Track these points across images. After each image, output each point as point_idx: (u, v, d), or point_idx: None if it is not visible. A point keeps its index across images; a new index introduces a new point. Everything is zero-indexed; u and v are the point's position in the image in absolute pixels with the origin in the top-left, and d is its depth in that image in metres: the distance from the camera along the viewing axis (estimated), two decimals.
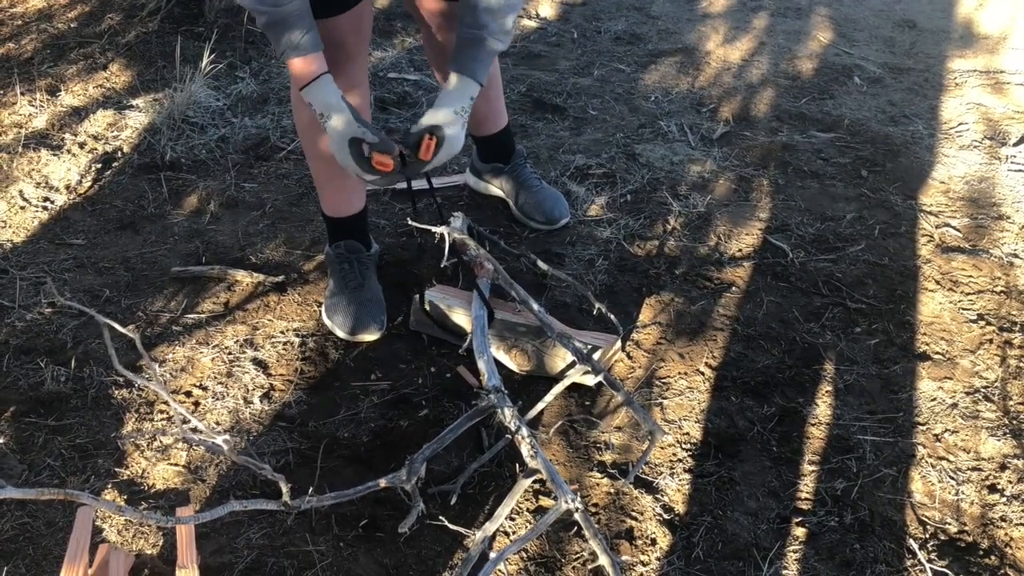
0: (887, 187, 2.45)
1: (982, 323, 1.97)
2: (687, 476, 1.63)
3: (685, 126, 2.75)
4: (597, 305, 1.84)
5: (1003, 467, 1.65)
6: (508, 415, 1.42)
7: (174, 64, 2.90)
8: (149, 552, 1.50)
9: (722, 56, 3.22)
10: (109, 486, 1.61)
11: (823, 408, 1.77)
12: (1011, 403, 1.78)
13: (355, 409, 1.77)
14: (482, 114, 2.21)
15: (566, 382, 1.68)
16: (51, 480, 1.62)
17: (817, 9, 3.64)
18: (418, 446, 1.45)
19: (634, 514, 1.57)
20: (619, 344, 1.88)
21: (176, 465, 1.65)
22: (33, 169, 2.50)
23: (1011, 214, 2.33)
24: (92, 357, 1.88)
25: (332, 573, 1.46)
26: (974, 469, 1.64)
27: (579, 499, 1.29)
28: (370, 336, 1.91)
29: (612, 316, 1.84)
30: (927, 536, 1.52)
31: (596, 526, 1.45)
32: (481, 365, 1.59)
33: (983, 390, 1.81)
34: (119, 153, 2.59)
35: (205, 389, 1.82)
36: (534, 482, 1.58)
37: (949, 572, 1.46)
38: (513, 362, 1.82)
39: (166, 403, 1.78)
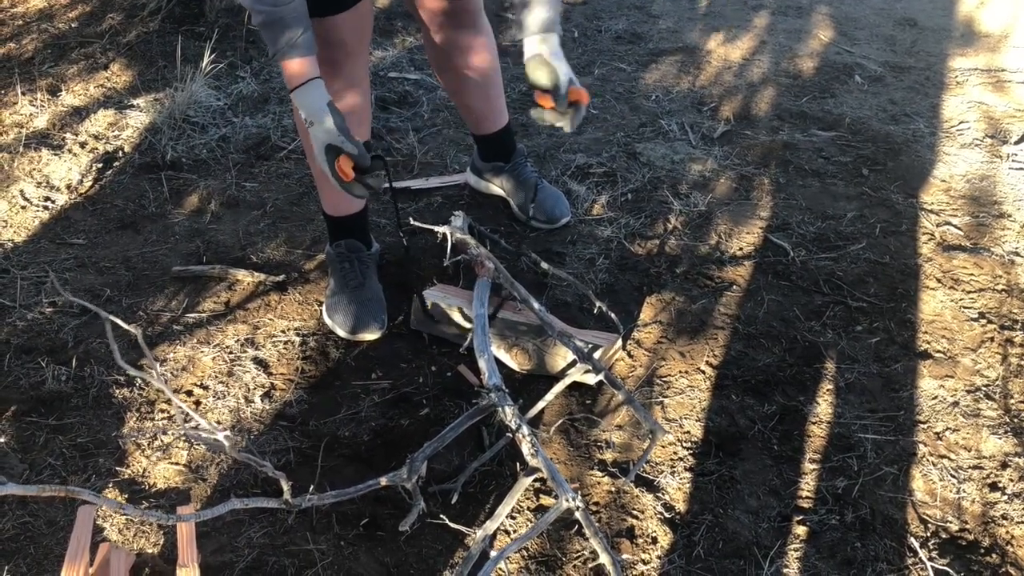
0: (888, 185, 2.45)
1: (983, 321, 1.97)
2: (688, 475, 1.63)
3: (686, 125, 2.75)
4: (598, 304, 1.84)
5: (1004, 465, 1.65)
6: (509, 414, 1.42)
7: (175, 64, 2.90)
8: (150, 551, 1.50)
9: (723, 55, 3.22)
10: (110, 485, 1.61)
11: (824, 406, 1.77)
12: (1012, 401, 1.78)
13: (356, 408, 1.77)
14: (482, 113, 2.21)
15: (567, 381, 1.68)
16: (52, 479, 1.62)
17: (818, 7, 3.64)
18: (419, 445, 1.45)
19: (635, 512, 1.57)
20: (620, 343, 1.88)
21: (177, 464, 1.65)
22: (34, 169, 2.50)
23: (1012, 212, 2.33)
24: (93, 356, 1.88)
25: (333, 572, 1.46)
26: (975, 467, 1.64)
27: (580, 498, 1.29)
28: (371, 335, 1.91)
29: (613, 315, 1.84)
30: (928, 534, 1.52)
31: (597, 525, 1.45)
32: (482, 364, 1.58)
33: (984, 388, 1.80)
34: (120, 153, 2.60)
35: (206, 388, 1.82)
36: (535, 480, 1.58)
37: (950, 570, 1.46)
38: (514, 361, 1.82)
39: (167, 402, 1.78)
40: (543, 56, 1.68)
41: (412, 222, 1.76)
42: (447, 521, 1.39)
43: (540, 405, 1.65)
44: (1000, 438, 1.70)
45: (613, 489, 1.61)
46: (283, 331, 1.96)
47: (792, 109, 2.84)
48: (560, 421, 1.73)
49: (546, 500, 1.58)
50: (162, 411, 1.77)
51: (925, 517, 1.55)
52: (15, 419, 1.73)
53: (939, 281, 2.09)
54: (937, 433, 1.71)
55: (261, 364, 1.87)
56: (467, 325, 1.83)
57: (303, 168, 2.52)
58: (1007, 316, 1.99)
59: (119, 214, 2.34)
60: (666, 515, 1.56)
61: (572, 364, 1.73)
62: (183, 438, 1.70)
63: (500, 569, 1.46)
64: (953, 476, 1.63)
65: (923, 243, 2.22)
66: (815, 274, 2.11)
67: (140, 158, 2.57)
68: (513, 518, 1.55)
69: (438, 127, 2.75)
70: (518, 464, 1.63)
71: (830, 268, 2.13)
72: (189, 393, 1.81)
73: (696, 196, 2.39)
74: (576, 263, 2.15)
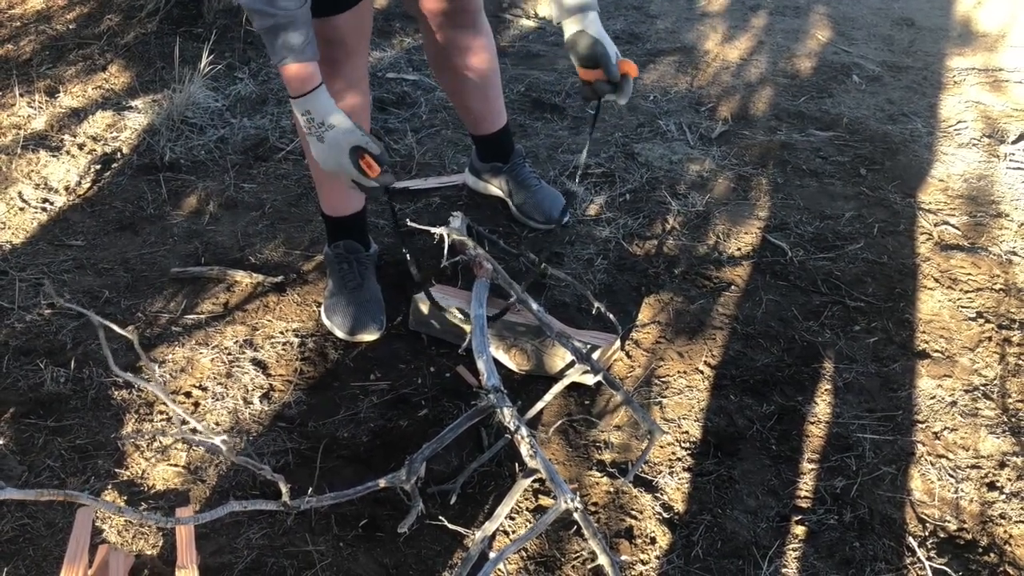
0: (886, 185, 2.45)
1: (981, 321, 1.97)
2: (686, 475, 1.63)
3: (684, 125, 2.75)
4: (596, 304, 1.84)
5: (1002, 465, 1.65)
6: (508, 415, 1.42)
7: (173, 65, 2.90)
8: (149, 553, 1.50)
9: (721, 55, 3.22)
10: (109, 487, 1.61)
11: (822, 406, 1.77)
12: (1010, 401, 1.78)
13: (354, 409, 1.77)
14: (481, 113, 2.21)
15: (565, 381, 1.69)
16: (51, 481, 1.62)
17: (815, 7, 3.64)
18: (417, 446, 1.45)
19: (633, 513, 1.57)
20: (618, 343, 1.88)
21: (176, 466, 1.65)
22: (32, 170, 2.50)
23: (1010, 212, 2.33)
24: (92, 358, 1.88)
25: (332, 573, 1.46)
26: (973, 467, 1.65)
27: (579, 499, 1.29)
28: (369, 336, 1.91)
29: (611, 315, 1.84)
30: (926, 534, 1.52)
31: (595, 525, 1.45)
32: (480, 365, 1.58)
33: (982, 388, 1.81)
34: (118, 154, 2.60)
35: (205, 390, 1.82)
36: (533, 481, 1.58)
37: (948, 570, 1.46)
38: (512, 361, 1.82)
39: (166, 403, 1.78)
40: (586, 31, 1.68)
41: (409, 223, 1.76)
42: (446, 522, 1.40)
43: (539, 406, 1.65)
44: (998, 437, 1.70)
45: (612, 489, 1.61)
46: (282, 332, 1.96)
47: (790, 109, 2.84)
48: (559, 422, 1.73)
49: (545, 500, 1.58)
50: (161, 413, 1.77)
51: (923, 517, 1.56)
52: (14, 421, 1.73)
53: (937, 281, 2.09)
54: (935, 433, 1.71)
55: (260, 365, 1.87)
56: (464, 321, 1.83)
57: (301, 169, 2.52)
58: (1005, 315, 1.99)
59: (117, 215, 2.34)
60: (665, 515, 1.56)
61: (571, 365, 1.73)
62: (173, 439, 1.70)
63: (499, 570, 1.46)
64: (951, 475, 1.63)
65: (921, 243, 2.22)
66: (813, 274, 2.11)
67: (138, 159, 2.57)
68: (512, 518, 1.55)
69: (436, 128, 2.75)
70: (517, 464, 1.63)
71: (828, 268, 2.13)
72: (188, 394, 1.81)
73: (694, 196, 2.40)
74: (574, 263, 2.15)
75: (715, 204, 2.38)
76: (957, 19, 3.54)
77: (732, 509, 1.57)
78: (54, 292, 1.55)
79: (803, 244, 2.21)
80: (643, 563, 1.49)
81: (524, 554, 1.50)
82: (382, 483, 1.34)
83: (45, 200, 2.40)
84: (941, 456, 1.67)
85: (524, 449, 1.38)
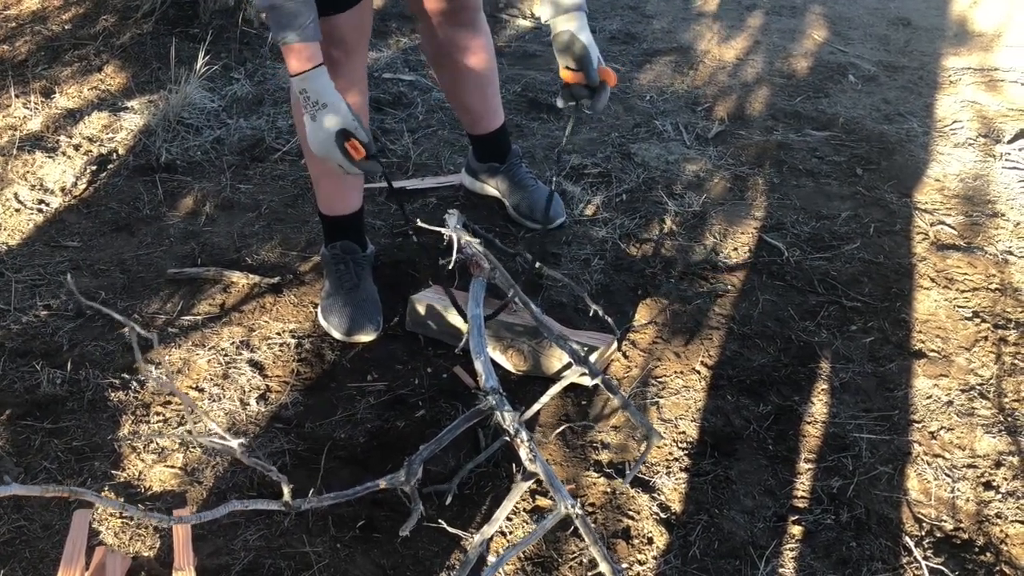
0: (882, 185, 2.45)
1: (977, 320, 1.98)
2: (683, 475, 1.63)
3: (680, 125, 2.75)
4: (593, 306, 1.84)
5: (998, 464, 1.65)
6: (507, 419, 1.42)
7: (169, 66, 2.90)
8: (146, 554, 1.50)
9: (717, 55, 3.22)
10: (106, 488, 1.61)
11: (819, 406, 1.77)
12: (1006, 400, 1.78)
13: (352, 410, 1.77)
14: (478, 113, 2.21)
15: (563, 383, 1.69)
16: (47, 483, 1.62)
17: (812, 7, 3.65)
18: (415, 447, 1.45)
19: (631, 513, 1.57)
20: (615, 344, 1.88)
21: (173, 468, 1.65)
22: (28, 171, 2.50)
23: (1005, 211, 2.34)
24: (88, 360, 1.87)
25: (329, 574, 1.46)
26: (969, 466, 1.65)
27: (578, 504, 1.29)
28: (366, 337, 1.90)
29: (608, 317, 1.84)
30: (923, 533, 1.53)
31: (595, 532, 1.45)
32: (478, 366, 1.58)
33: (978, 387, 1.81)
34: (114, 155, 2.59)
35: (201, 391, 1.82)
36: (533, 482, 1.58)
37: (945, 569, 1.46)
38: (509, 362, 1.82)
39: (163, 405, 1.78)
40: (572, 32, 1.70)
41: (419, 223, 1.76)
42: (444, 524, 1.40)
43: (536, 407, 1.65)
44: (994, 437, 1.70)
45: (609, 490, 1.61)
46: (278, 333, 1.96)
47: (786, 109, 2.85)
48: (556, 422, 1.73)
49: (542, 501, 1.59)
50: (157, 414, 1.76)
51: (920, 516, 1.56)
52: (10, 423, 1.73)
53: (933, 280, 2.10)
54: (931, 432, 1.72)
55: (256, 366, 1.87)
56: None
57: (298, 170, 2.52)
58: (1001, 315, 1.99)
59: (113, 216, 2.34)
60: (662, 516, 1.56)
61: (568, 366, 1.73)
62: (180, 441, 1.69)
63: (497, 573, 1.46)
64: (948, 475, 1.63)
65: (917, 242, 2.23)
66: (809, 274, 2.11)
67: (134, 160, 2.56)
68: (510, 519, 1.55)
69: (433, 128, 2.75)
70: (514, 465, 1.63)
71: (824, 268, 2.13)
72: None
73: (691, 196, 2.40)
74: (571, 264, 2.15)
75: (712, 204, 2.38)
76: (953, 19, 3.54)
77: (729, 509, 1.57)
78: (75, 290, 1.55)
79: (799, 244, 2.21)
80: (640, 563, 1.49)
81: (522, 555, 1.50)
82: (382, 484, 1.34)
83: (41, 201, 2.39)
84: (937, 456, 1.67)
85: (523, 453, 1.38)
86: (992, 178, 2.48)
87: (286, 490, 1.25)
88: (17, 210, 2.35)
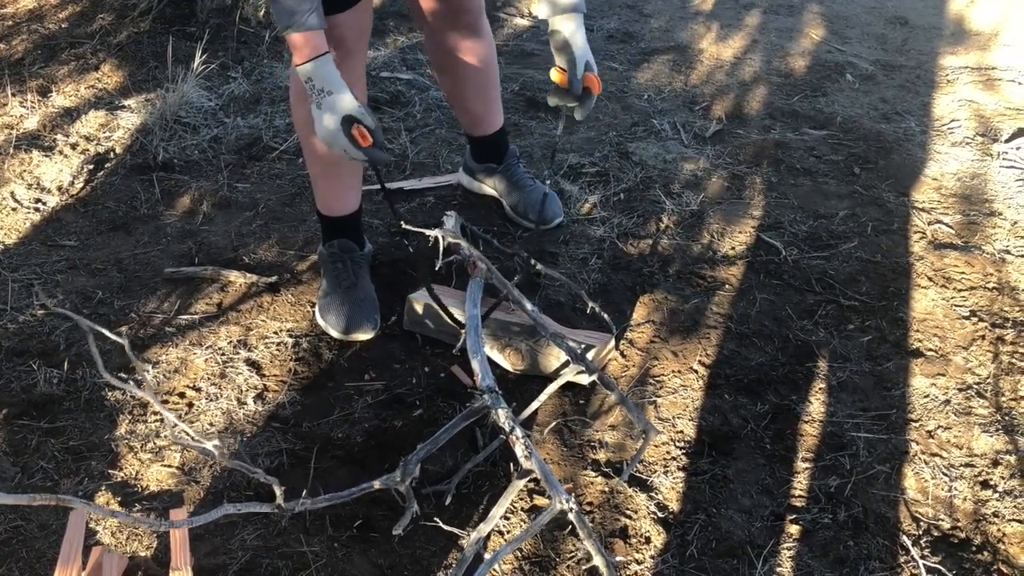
0: (879, 184, 2.45)
1: (974, 319, 1.98)
2: (681, 474, 1.63)
3: (678, 124, 2.75)
4: (590, 304, 1.84)
5: (996, 463, 1.65)
6: (502, 416, 1.42)
7: (166, 64, 2.89)
8: (143, 554, 1.50)
9: (715, 54, 3.22)
10: (103, 488, 1.60)
11: (816, 405, 1.77)
12: (1003, 399, 1.78)
13: (349, 409, 1.77)
14: (479, 114, 2.21)
15: (560, 381, 1.68)
16: (44, 483, 1.62)
17: (809, 6, 3.65)
18: (412, 446, 1.45)
19: (628, 512, 1.57)
20: (613, 343, 1.88)
21: (170, 467, 1.65)
22: (25, 170, 2.49)
23: (1003, 210, 2.34)
24: (85, 359, 1.87)
25: (327, 574, 1.46)
26: (967, 465, 1.65)
27: (573, 500, 1.29)
28: (364, 335, 1.90)
29: (605, 315, 1.84)
30: (920, 532, 1.53)
31: (590, 526, 1.45)
32: (475, 365, 1.58)
33: (976, 386, 1.81)
34: (111, 154, 2.59)
35: (199, 390, 1.81)
36: (529, 481, 1.58)
37: (942, 568, 1.47)
38: (507, 361, 1.82)
39: (161, 404, 1.77)
40: (566, 36, 1.70)
41: (404, 225, 1.76)
42: (441, 523, 1.39)
43: (533, 406, 1.65)
44: (991, 436, 1.70)
45: (606, 489, 1.61)
46: (276, 332, 1.95)
47: (784, 108, 2.85)
48: (553, 421, 1.73)
49: (540, 500, 1.58)
50: (155, 414, 1.76)
51: (917, 515, 1.56)
52: (7, 422, 1.73)
53: (931, 279, 2.10)
54: (929, 431, 1.72)
55: (254, 366, 1.87)
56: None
57: (295, 169, 2.51)
58: (998, 314, 1.99)
59: (110, 215, 2.34)
60: (659, 515, 1.56)
61: (565, 364, 1.73)
62: (175, 444, 1.69)
63: (494, 570, 1.46)
64: (945, 474, 1.63)
65: (914, 241, 2.23)
66: (807, 273, 2.11)
67: (131, 159, 2.56)
68: (507, 518, 1.55)
69: (431, 127, 2.74)
70: (511, 464, 1.63)
71: (822, 267, 2.13)
72: (182, 395, 1.80)
73: (688, 195, 2.40)
74: (569, 263, 2.15)
75: (709, 203, 2.38)
76: (950, 18, 3.54)
77: (727, 508, 1.57)
78: (44, 295, 1.54)
79: (797, 243, 2.21)
80: (638, 563, 1.49)
81: (519, 554, 1.50)
82: (377, 484, 1.34)
83: (38, 200, 2.39)
84: (935, 455, 1.67)
85: (519, 450, 1.37)
86: (989, 177, 2.48)
87: (278, 492, 1.25)
88: (14, 209, 2.35)
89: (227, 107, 2.81)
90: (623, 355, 1.89)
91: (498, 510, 1.36)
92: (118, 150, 2.60)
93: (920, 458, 1.66)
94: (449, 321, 1.82)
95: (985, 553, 1.50)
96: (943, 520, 1.55)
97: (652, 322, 1.97)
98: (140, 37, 3.14)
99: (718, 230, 2.27)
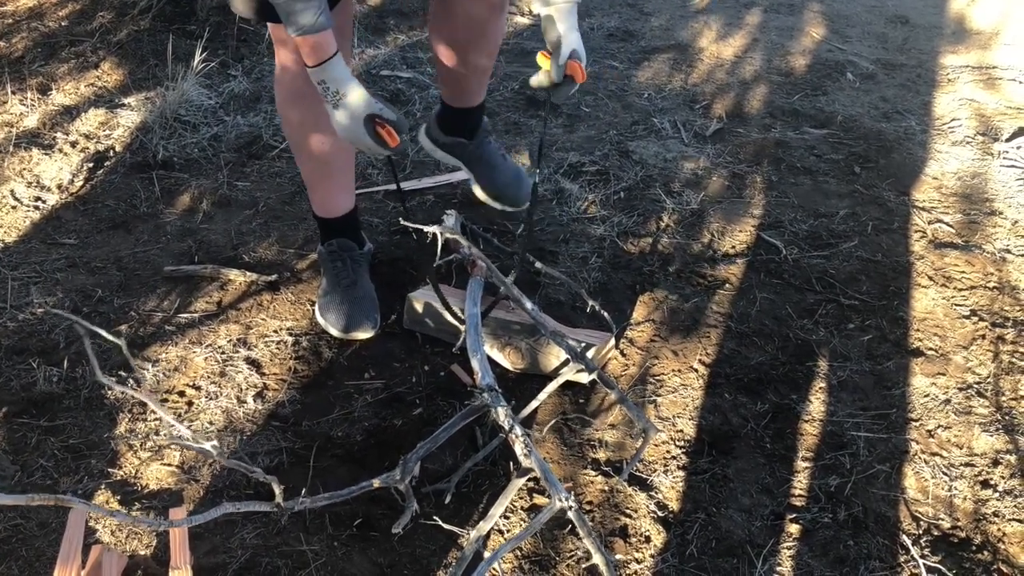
0: (880, 183, 2.45)
1: (975, 319, 1.97)
2: (681, 473, 1.63)
3: (678, 123, 2.75)
4: (590, 303, 1.83)
5: (996, 463, 1.65)
6: (501, 414, 1.42)
7: (166, 62, 2.89)
8: (142, 553, 1.50)
9: (715, 53, 3.22)
10: (102, 487, 1.60)
11: (816, 404, 1.77)
12: (1004, 399, 1.78)
13: (349, 408, 1.77)
14: (465, 85, 2.06)
15: (560, 380, 1.68)
16: (44, 481, 1.62)
17: (810, 5, 3.64)
18: (412, 445, 1.44)
19: (628, 511, 1.57)
20: (613, 342, 1.88)
21: (169, 465, 1.65)
22: (24, 168, 2.49)
23: (1003, 210, 2.34)
24: (85, 357, 1.87)
25: (326, 573, 1.46)
26: (967, 465, 1.65)
27: (573, 497, 1.29)
28: (363, 334, 1.90)
29: (605, 314, 1.84)
30: (920, 532, 1.53)
31: (590, 524, 1.45)
32: (475, 363, 1.58)
33: (976, 386, 1.81)
34: (111, 152, 2.59)
35: (198, 389, 1.81)
36: (529, 481, 1.58)
37: (942, 568, 1.46)
38: (507, 360, 1.82)
39: (160, 402, 1.77)
40: (554, 18, 1.68)
41: (402, 221, 1.75)
42: (440, 522, 1.39)
43: (533, 404, 1.65)
44: (991, 435, 1.70)
45: (606, 488, 1.61)
46: (275, 331, 1.95)
47: (784, 107, 2.85)
48: (553, 420, 1.73)
49: (540, 499, 1.58)
50: (154, 412, 1.76)
51: (917, 515, 1.56)
52: (6, 420, 1.73)
53: (931, 279, 2.09)
54: (929, 431, 1.71)
55: (253, 364, 1.87)
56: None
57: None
58: (998, 313, 1.99)
59: (110, 214, 2.34)
60: (659, 514, 1.56)
61: (565, 363, 1.72)
62: (174, 444, 1.69)
63: (494, 569, 1.46)
64: (945, 474, 1.63)
65: (915, 241, 2.23)
66: (807, 272, 2.11)
67: (131, 157, 2.56)
68: (507, 518, 1.55)
69: None
70: (511, 463, 1.63)
71: (822, 266, 2.13)
72: (181, 394, 1.80)
73: (689, 194, 2.40)
74: (569, 262, 2.15)
75: (709, 202, 2.38)
76: (951, 17, 3.54)
77: (727, 507, 1.57)
78: (43, 294, 1.54)
79: (797, 242, 2.21)
80: (637, 562, 1.49)
81: (519, 553, 1.50)
82: (376, 483, 1.34)
83: (37, 198, 2.39)
84: (935, 454, 1.67)
85: (518, 448, 1.37)
86: (990, 176, 2.48)
87: (277, 490, 1.24)
88: (13, 207, 2.34)
89: (227, 105, 2.80)
90: (623, 354, 1.89)
91: (498, 508, 1.36)
92: (118, 148, 2.60)
93: (920, 457, 1.66)
94: (451, 319, 1.82)
95: (985, 553, 1.49)
96: (943, 519, 1.55)
97: (652, 321, 1.97)
98: (140, 35, 3.13)
99: (718, 229, 2.27)
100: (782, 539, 1.51)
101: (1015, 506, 1.57)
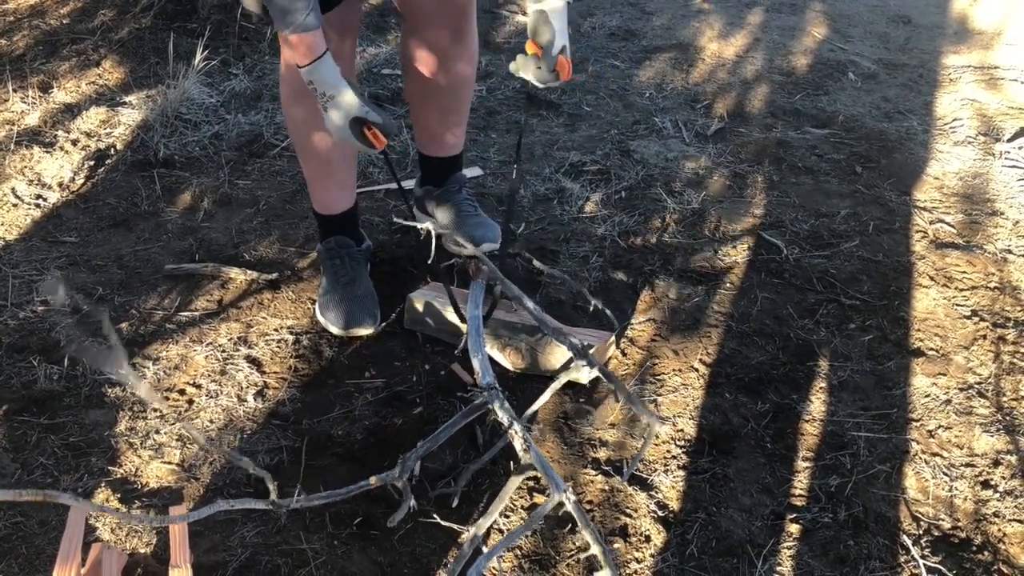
0: (881, 183, 2.45)
1: (976, 319, 1.97)
2: (681, 473, 1.63)
3: (680, 122, 2.75)
4: (592, 301, 1.83)
5: (996, 463, 1.65)
6: (500, 411, 1.42)
7: (167, 60, 2.89)
8: (142, 551, 1.50)
9: (716, 52, 3.22)
10: (102, 485, 1.60)
11: (817, 404, 1.77)
12: (1004, 399, 1.78)
13: (349, 407, 1.77)
14: (437, 133, 2.06)
15: (561, 380, 1.68)
16: (44, 479, 1.62)
17: (811, 5, 3.64)
18: (412, 444, 1.44)
19: (628, 511, 1.57)
20: (613, 341, 1.87)
21: (170, 463, 1.65)
22: (26, 166, 2.49)
23: (1005, 210, 2.33)
24: (85, 355, 1.87)
25: (326, 571, 1.46)
26: (967, 465, 1.65)
27: (571, 491, 1.29)
28: (363, 331, 1.90)
29: (608, 312, 1.84)
30: (921, 532, 1.53)
31: (588, 516, 1.45)
32: (475, 363, 1.58)
33: (977, 386, 1.81)
34: (112, 150, 2.59)
35: (199, 387, 1.81)
36: (529, 479, 1.58)
37: (943, 568, 1.46)
38: (507, 360, 1.82)
39: (160, 400, 1.77)
40: (547, 14, 1.68)
41: (395, 218, 1.75)
42: (440, 520, 1.39)
43: (535, 406, 1.65)
44: (992, 436, 1.70)
45: (607, 487, 1.61)
46: (276, 329, 1.95)
47: (786, 106, 2.84)
48: (554, 420, 1.73)
49: (539, 498, 1.58)
50: (155, 410, 1.76)
51: (918, 515, 1.56)
52: (7, 418, 1.73)
53: (932, 279, 2.09)
54: (930, 431, 1.71)
55: (254, 362, 1.87)
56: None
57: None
58: (999, 314, 1.99)
59: (111, 212, 2.34)
60: (659, 513, 1.56)
61: (568, 364, 1.72)
62: (176, 436, 1.69)
63: (494, 568, 1.46)
64: (945, 474, 1.63)
65: (916, 241, 2.22)
66: (808, 272, 2.11)
67: (132, 155, 2.56)
68: (507, 516, 1.55)
69: None
70: (511, 463, 1.63)
71: (823, 266, 2.13)
72: (182, 392, 1.80)
73: (690, 194, 2.39)
74: (570, 261, 2.14)
75: (711, 201, 2.37)
76: (953, 17, 3.54)
77: (727, 507, 1.57)
78: (63, 292, 1.54)
79: (798, 242, 2.21)
80: (638, 561, 1.49)
81: (519, 552, 1.50)
82: (373, 481, 1.34)
83: (38, 196, 2.39)
84: (935, 454, 1.67)
85: (518, 444, 1.37)
86: (991, 176, 2.48)
87: (271, 488, 1.24)
88: (15, 205, 2.34)
89: (228, 103, 2.80)
90: (623, 353, 1.89)
91: (497, 506, 1.35)
92: (119, 146, 2.60)
93: (921, 458, 1.66)
94: (455, 319, 1.82)
95: (985, 553, 1.49)
96: (943, 520, 1.55)
97: (653, 320, 1.97)
98: (141, 33, 3.13)
99: (719, 228, 2.27)
100: (782, 539, 1.51)
101: (1016, 506, 1.57)
